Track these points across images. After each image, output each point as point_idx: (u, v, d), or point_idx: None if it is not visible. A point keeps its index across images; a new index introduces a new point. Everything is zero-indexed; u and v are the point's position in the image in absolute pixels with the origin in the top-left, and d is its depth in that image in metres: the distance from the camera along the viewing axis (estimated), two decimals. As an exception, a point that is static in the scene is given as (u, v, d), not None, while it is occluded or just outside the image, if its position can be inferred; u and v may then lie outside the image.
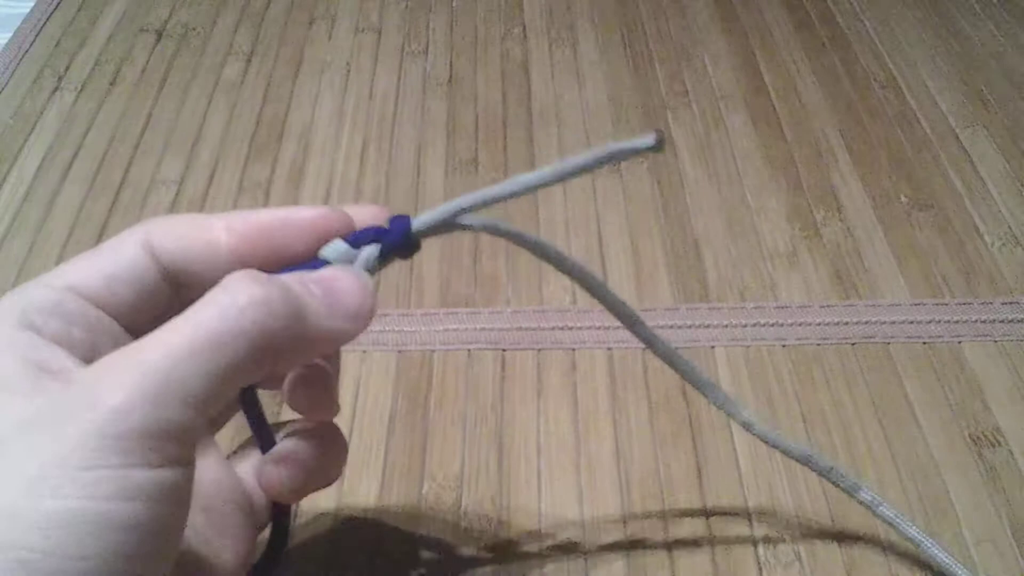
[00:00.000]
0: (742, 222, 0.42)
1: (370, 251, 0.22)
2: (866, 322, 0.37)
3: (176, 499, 0.18)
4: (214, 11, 0.55)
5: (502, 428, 0.34)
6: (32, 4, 0.56)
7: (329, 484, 0.25)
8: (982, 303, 0.38)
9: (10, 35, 0.54)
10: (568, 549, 0.30)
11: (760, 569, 0.30)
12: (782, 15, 0.55)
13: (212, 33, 0.54)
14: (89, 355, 0.19)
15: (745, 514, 0.31)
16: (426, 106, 0.49)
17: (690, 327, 0.37)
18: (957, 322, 0.37)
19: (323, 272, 0.21)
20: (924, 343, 0.37)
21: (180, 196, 0.43)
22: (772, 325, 0.37)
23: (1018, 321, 0.37)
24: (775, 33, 0.54)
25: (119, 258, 0.21)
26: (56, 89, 0.50)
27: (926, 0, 0.56)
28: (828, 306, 0.38)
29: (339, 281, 0.21)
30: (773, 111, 0.48)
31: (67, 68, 0.51)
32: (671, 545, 0.30)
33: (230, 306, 0.18)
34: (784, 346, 0.37)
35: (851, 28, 0.54)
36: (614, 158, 0.21)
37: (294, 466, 0.23)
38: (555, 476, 0.32)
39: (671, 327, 0.37)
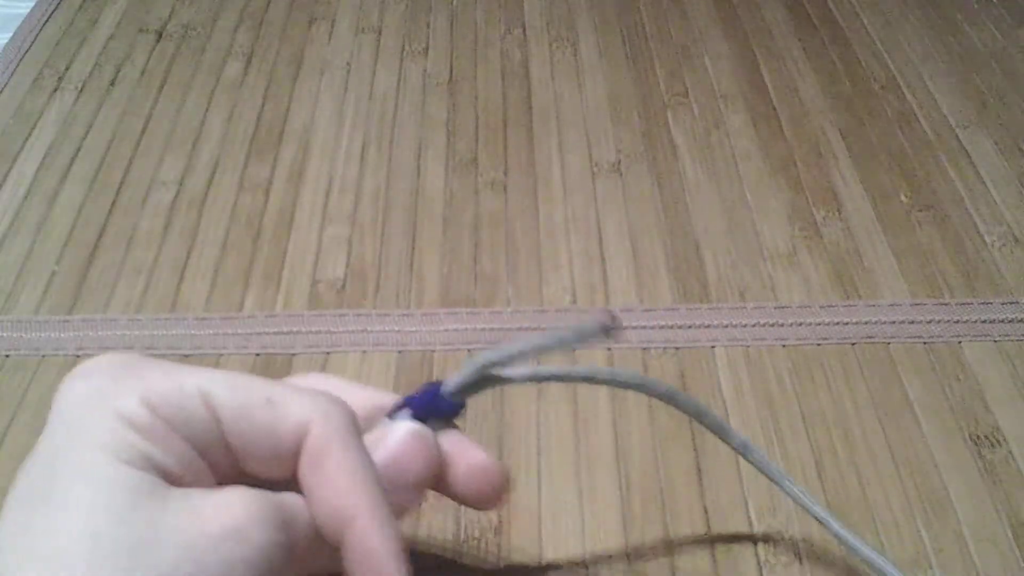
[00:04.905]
0: (742, 222, 0.42)
1: (403, 415, 0.25)
2: (866, 322, 0.37)
3: None
4: (214, 11, 0.55)
5: (502, 428, 0.34)
6: (32, 4, 0.56)
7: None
8: (982, 303, 0.38)
9: (10, 35, 0.54)
10: (568, 549, 0.30)
11: (760, 569, 0.30)
12: (782, 15, 0.55)
13: (212, 33, 0.54)
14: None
15: (745, 514, 0.31)
16: (426, 106, 0.49)
17: (690, 327, 0.37)
18: (957, 322, 0.37)
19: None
20: (924, 343, 0.37)
21: (180, 196, 0.43)
22: (772, 325, 0.37)
23: (1018, 321, 0.37)
24: (775, 33, 0.54)
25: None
26: (56, 89, 0.50)
27: (926, 0, 0.56)
28: (828, 306, 0.38)
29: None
30: (773, 111, 0.48)
31: (67, 68, 0.51)
32: (671, 545, 0.30)
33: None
34: (784, 346, 0.37)
35: (851, 28, 0.54)
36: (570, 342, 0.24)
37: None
38: (555, 476, 0.32)
39: (671, 327, 0.37)
